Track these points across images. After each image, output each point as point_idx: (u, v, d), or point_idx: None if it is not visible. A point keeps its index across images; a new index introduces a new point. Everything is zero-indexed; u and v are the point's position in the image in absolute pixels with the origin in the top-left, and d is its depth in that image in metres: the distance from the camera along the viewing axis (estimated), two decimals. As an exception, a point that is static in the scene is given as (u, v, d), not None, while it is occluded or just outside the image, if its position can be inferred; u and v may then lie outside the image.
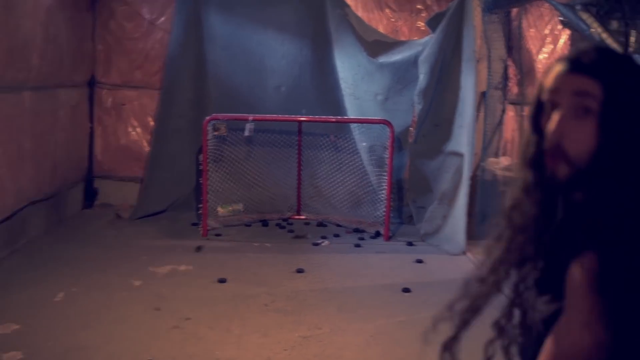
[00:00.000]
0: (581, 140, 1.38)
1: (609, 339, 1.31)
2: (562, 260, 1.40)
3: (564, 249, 1.42)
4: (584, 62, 1.40)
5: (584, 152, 1.39)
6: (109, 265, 5.86)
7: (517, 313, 1.64)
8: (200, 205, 7.03)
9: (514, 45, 7.58)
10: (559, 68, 1.45)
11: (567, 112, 1.40)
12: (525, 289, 1.60)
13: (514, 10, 7.46)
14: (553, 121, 1.41)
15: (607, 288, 1.30)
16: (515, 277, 1.61)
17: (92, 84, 8.03)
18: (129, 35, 8.00)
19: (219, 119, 7.21)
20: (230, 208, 7.52)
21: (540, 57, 7.80)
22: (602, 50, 1.44)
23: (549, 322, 1.43)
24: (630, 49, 5.25)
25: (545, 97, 1.47)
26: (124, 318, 4.69)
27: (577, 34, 6.19)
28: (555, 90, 1.43)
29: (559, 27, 7.36)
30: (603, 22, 5.42)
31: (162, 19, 7.97)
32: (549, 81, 1.46)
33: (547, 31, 7.74)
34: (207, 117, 7.04)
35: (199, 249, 5.43)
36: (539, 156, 1.49)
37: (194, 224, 7.31)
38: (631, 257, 1.32)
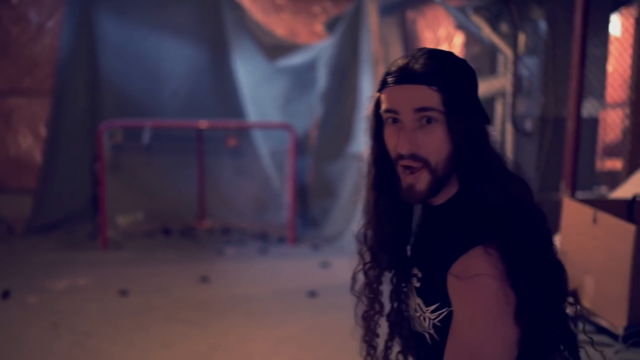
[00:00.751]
0: (434, 147, 1.38)
1: (522, 331, 1.32)
2: (440, 266, 1.39)
3: (438, 255, 1.42)
4: (417, 70, 1.38)
5: (441, 157, 1.39)
6: (0, 281, 5.57)
7: (396, 325, 1.64)
8: (98, 216, 6.82)
9: (411, 47, 7.74)
10: (392, 79, 1.42)
11: (413, 124, 1.39)
12: (401, 302, 1.61)
13: (410, 13, 7.62)
14: (402, 136, 1.40)
15: (516, 280, 1.31)
16: (389, 292, 1.62)
17: (-24, 91, 7.66)
18: (15, 39, 7.69)
19: (114, 126, 7.01)
20: (130, 218, 7.34)
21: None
22: (433, 54, 1.42)
23: (441, 328, 1.42)
24: (519, 52, 5.46)
25: (384, 111, 1.44)
26: (18, 338, 4.47)
27: (470, 36, 6.37)
28: (395, 104, 1.41)
29: (454, 29, 7.58)
30: (493, 25, 5.61)
31: (51, 22, 7.68)
32: (386, 95, 1.43)
33: (442, 33, 7.94)
34: (102, 124, 6.83)
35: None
36: (388, 171, 1.48)
37: (93, 236, 7.07)
38: (528, 247, 1.33)
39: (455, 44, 7.90)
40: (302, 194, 7.72)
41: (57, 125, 7.52)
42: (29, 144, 7.81)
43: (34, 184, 7.68)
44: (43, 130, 7.77)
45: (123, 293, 5.37)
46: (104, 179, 6.75)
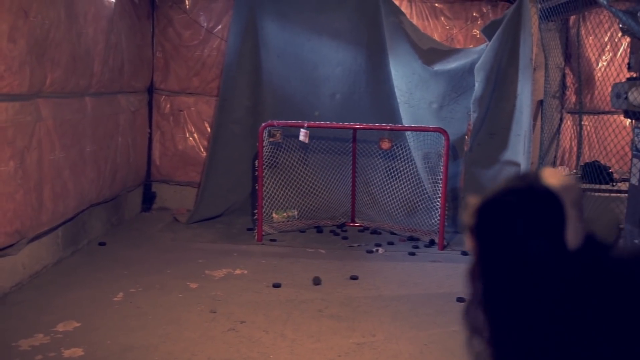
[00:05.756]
0: None
1: None
2: None
3: None
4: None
5: None
6: (166, 267, 5.98)
7: None
8: (256, 211, 7.12)
9: (572, 53, 7.46)
10: None
11: None
12: None
13: (572, 18, 7.34)
14: None
15: None
16: None
17: (151, 90, 8.21)
18: (186, 42, 8.16)
19: (274, 126, 7.28)
20: (285, 214, 7.59)
21: (600, 65, 7.66)
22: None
23: None
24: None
25: None
26: (180, 319, 4.78)
27: (638, 42, 6.06)
28: None
29: (619, 34, 7.22)
30: (666, 29, 5.30)
31: (219, 27, 8.11)
32: None
33: (606, 39, 7.60)
34: (263, 124, 7.12)
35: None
36: None
37: (249, 229, 7.39)
38: None
39: (620, 49, 7.53)
40: (453, 199, 7.63)
41: (221, 123, 7.94)
42: (194, 139, 8.27)
43: (198, 178, 8.15)
44: (208, 128, 8.20)
45: (276, 285, 5.58)
46: (262, 176, 7.03)
